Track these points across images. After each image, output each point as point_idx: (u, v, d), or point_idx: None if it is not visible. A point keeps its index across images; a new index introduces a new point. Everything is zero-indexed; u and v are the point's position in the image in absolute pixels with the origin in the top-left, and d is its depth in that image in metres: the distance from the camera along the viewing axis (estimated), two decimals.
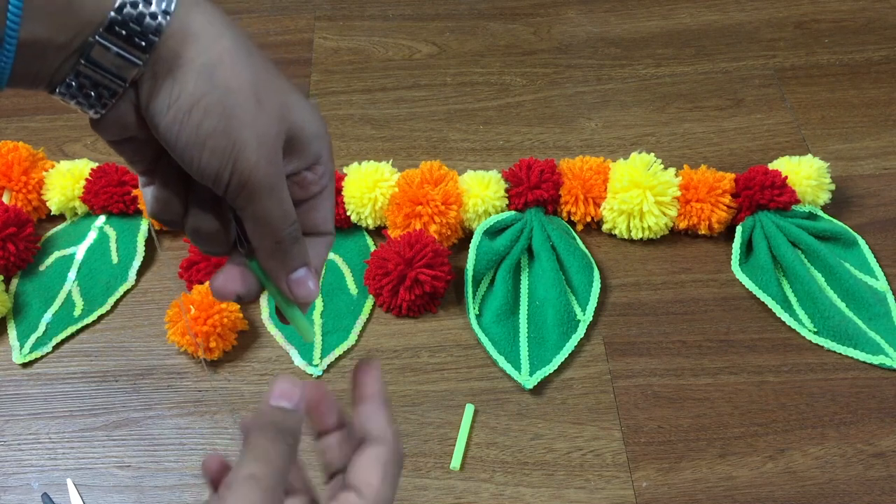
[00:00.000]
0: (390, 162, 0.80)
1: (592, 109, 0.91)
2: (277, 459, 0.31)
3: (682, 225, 0.77)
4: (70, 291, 0.77)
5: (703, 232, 0.77)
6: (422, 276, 0.71)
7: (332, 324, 0.73)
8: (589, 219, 0.79)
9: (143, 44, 0.29)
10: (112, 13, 0.28)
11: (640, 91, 0.92)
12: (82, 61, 0.29)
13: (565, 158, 0.81)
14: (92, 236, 0.80)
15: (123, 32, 0.28)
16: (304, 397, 0.33)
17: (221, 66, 0.30)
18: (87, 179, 0.80)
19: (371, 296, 0.75)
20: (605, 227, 0.79)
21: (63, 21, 0.28)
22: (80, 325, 0.74)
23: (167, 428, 0.68)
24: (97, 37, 0.29)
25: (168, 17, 0.28)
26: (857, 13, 1.00)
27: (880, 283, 0.74)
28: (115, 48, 0.29)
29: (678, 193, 0.76)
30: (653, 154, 0.78)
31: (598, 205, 0.78)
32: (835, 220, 0.78)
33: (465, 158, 0.87)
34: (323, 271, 0.35)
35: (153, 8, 0.28)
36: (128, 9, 0.28)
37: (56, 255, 0.79)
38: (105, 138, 0.33)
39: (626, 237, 0.78)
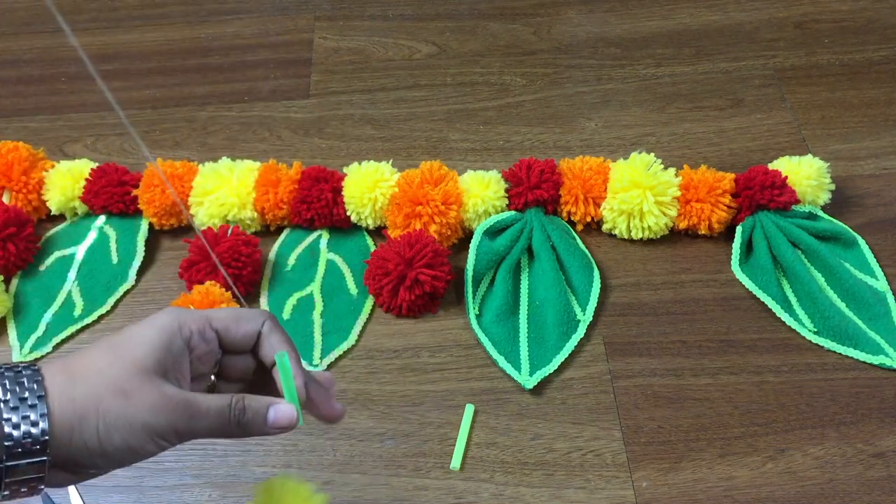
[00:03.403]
0: (390, 162, 0.80)
1: (592, 109, 0.91)
2: None
3: (682, 225, 0.77)
4: (70, 291, 0.77)
5: (703, 232, 0.77)
6: (422, 276, 0.71)
7: (332, 324, 0.73)
8: (589, 219, 0.79)
9: (39, 447, 0.36)
10: (6, 442, 0.35)
11: (640, 91, 0.92)
12: (2, 477, 0.36)
13: (565, 158, 0.81)
14: (92, 236, 0.80)
15: (20, 451, 0.35)
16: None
17: (102, 403, 0.37)
18: (87, 179, 0.80)
19: (371, 296, 0.75)
20: (605, 227, 0.79)
21: None
22: (80, 325, 0.74)
23: None
24: (4, 462, 0.35)
25: (46, 421, 0.35)
26: (857, 13, 1.00)
27: (880, 283, 0.74)
28: (24, 461, 0.36)
29: (678, 193, 0.76)
30: (653, 154, 0.78)
31: (598, 205, 0.78)
32: (835, 220, 0.78)
33: (465, 158, 0.87)
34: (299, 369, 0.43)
35: (34, 429, 0.35)
36: (16, 433, 0.35)
37: (56, 255, 0.79)
38: None
39: (626, 237, 0.78)
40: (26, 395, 0.36)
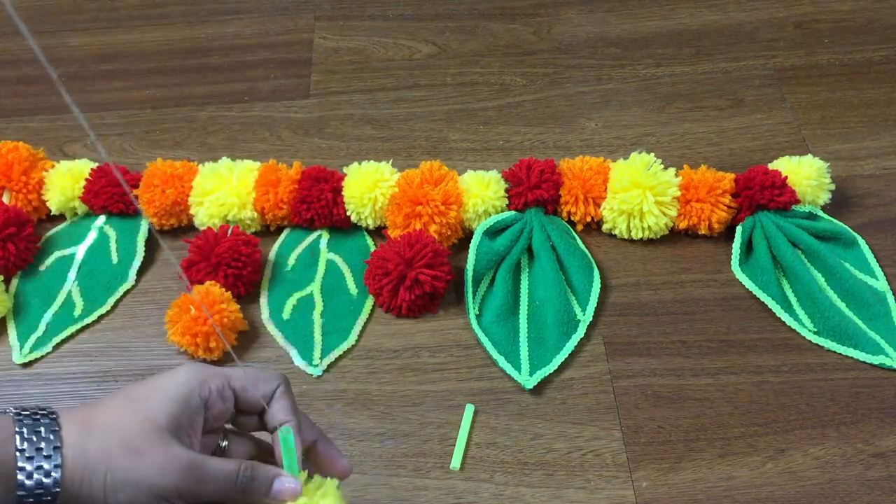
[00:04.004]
0: (390, 162, 0.80)
1: (592, 109, 0.91)
2: None
3: (682, 225, 0.77)
4: (70, 291, 0.77)
5: (703, 232, 0.77)
6: (422, 276, 0.71)
7: (332, 324, 0.73)
8: (589, 219, 0.79)
9: (49, 498, 0.37)
10: (19, 492, 0.36)
11: (640, 91, 0.92)
12: None
13: (565, 158, 0.81)
14: (92, 236, 0.80)
15: (32, 501, 0.36)
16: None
17: (113, 459, 0.37)
18: (87, 179, 0.80)
19: (371, 296, 0.75)
20: (605, 227, 0.79)
21: None
22: (80, 325, 0.74)
23: None
24: None
25: (59, 472, 0.36)
26: (857, 13, 1.00)
27: (880, 283, 0.74)
28: None
29: (678, 193, 0.76)
30: (653, 154, 0.78)
31: (598, 205, 0.78)
32: (835, 220, 0.78)
33: (465, 158, 0.87)
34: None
35: (47, 480, 0.36)
36: (29, 483, 0.36)
37: (56, 255, 0.79)
38: None
39: (626, 237, 0.78)
40: (42, 445, 0.36)
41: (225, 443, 0.44)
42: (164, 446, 0.38)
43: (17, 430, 0.37)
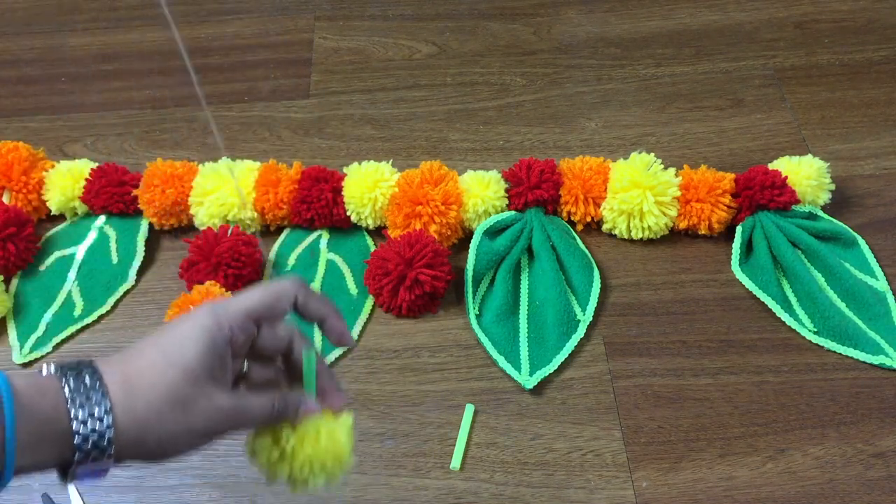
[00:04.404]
0: (390, 162, 0.80)
1: (592, 109, 0.91)
2: None
3: (682, 225, 0.77)
4: (70, 291, 0.77)
5: (703, 232, 0.77)
6: (422, 276, 0.71)
7: None
8: (589, 219, 0.79)
9: (105, 456, 0.39)
10: (76, 454, 0.38)
11: (640, 91, 0.92)
12: (70, 474, 0.39)
13: (565, 158, 0.81)
14: (92, 236, 0.80)
15: (90, 460, 0.38)
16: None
17: (162, 416, 0.40)
18: (87, 179, 0.80)
19: (371, 296, 0.75)
20: (605, 227, 0.79)
21: (43, 460, 0.38)
22: (80, 325, 0.74)
23: None
24: (73, 469, 0.38)
25: (111, 430, 0.38)
26: (857, 13, 1.00)
27: (880, 283, 0.74)
28: (89, 465, 0.39)
29: (678, 193, 0.76)
30: (653, 154, 0.78)
31: (598, 205, 0.78)
32: (835, 220, 0.78)
33: (465, 158, 0.87)
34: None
35: (101, 441, 0.38)
36: (86, 445, 0.38)
37: (56, 255, 0.79)
38: None
39: (626, 237, 0.78)
40: (94, 410, 0.38)
41: (245, 367, 0.46)
42: (206, 397, 0.41)
43: (68, 395, 0.38)
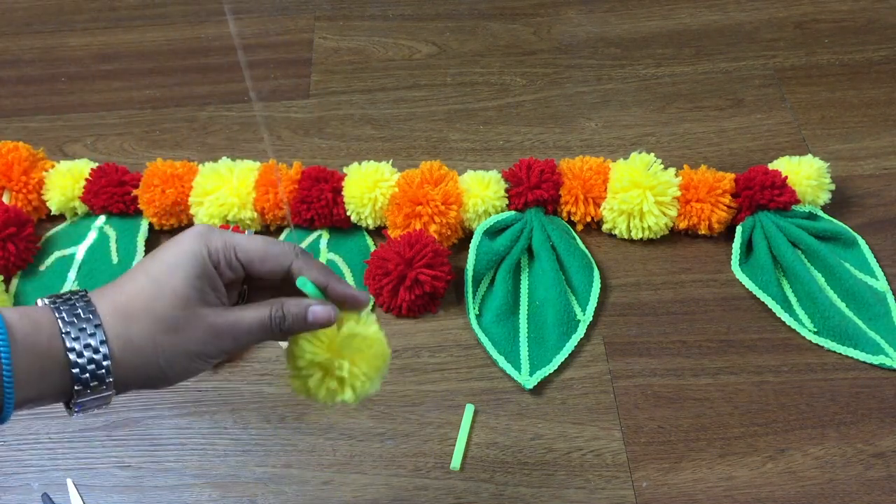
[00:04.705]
0: (390, 162, 0.80)
1: (592, 109, 0.91)
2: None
3: (682, 225, 0.77)
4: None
5: (703, 232, 0.77)
6: (422, 276, 0.71)
7: None
8: (589, 219, 0.79)
9: (104, 386, 0.39)
10: (75, 385, 0.38)
11: (640, 91, 0.92)
12: (73, 407, 0.40)
13: (565, 158, 0.81)
14: (92, 236, 0.80)
15: (89, 390, 0.39)
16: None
17: (157, 340, 0.40)
18: (87, 179, 0.80)
19: (371, 296, 0.75)
20: (605, 227, 0.79)
21: (43, 393, 0.38)
22: None
23: (167, 428, 0.68)
24: (75, 400, 0.39)
25: (108, 361, 0.39)
26: (857, 13, 1.00)
27: (880, 283, 0.74)
28: (91, 396, 0.39)
29: (678, 193, 0.76)
30: (653, 154, 0.78)
31: (598, 205, 0.78)
32: (835, 220, 0.78)
33: (465, 158, 0.87)
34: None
35: (100, 372, 0.38)
36: (84, 375, 0.38)
37: (56, 255, 0.79)
38: None
39: (626, 237, 0.78)
40: (90, 341, 0.38)
41: (245, 289, 0.46)
42: (197, 318, 0.41)
43: (62, 327, 0.38)
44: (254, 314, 0.42)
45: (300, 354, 0.43)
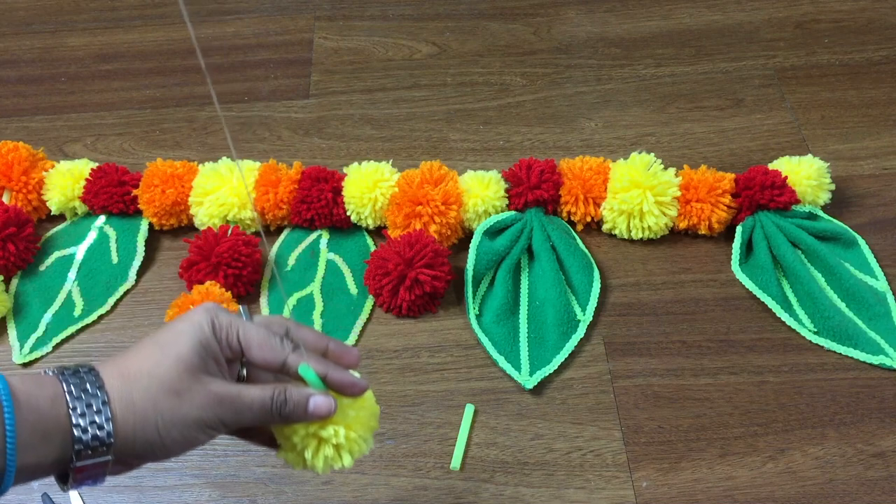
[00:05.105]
0: (390, 162, 0.80)
1: (592, 109, 0.91)
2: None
3: (682, 225, 0.77)
4: (70, 291, 0.77)
5: (703, 232, 0.77)
6: (422, 276, 0.71)
7: (332, 324, 0.73)
8: (589, 219, 0.79)
9: (105, 448, 0.39)
10: (76, 446, 0.38)
11: (640, 91, 0.92)
12: (71, 474, 0.39)
13: (565, 158, 0.81)
14: (92, 236, 0.80)
15: (90, 452, 0.39)
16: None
17: (158, 404, 0.40)
18: (87, 179, 0.80)
19: (371, 296, 0.75)
20: (605, 227, 0.79)
21: (44, 455, 0.38)
22: (80, 325, 0.74)
23: None
24: (74, 464, 0.39)
25: (110, 423, 0.39)
26: (857, 13, 1.00)
27: (880, 283, 0.74)
28: (90, 461, 0.39)
29: (678, 193, 0.76)
30: (653, 154, 0.78)
31: (598, 205, 0.78)
32: (835, 220, 0.78)
33: (465, 158, 0.87)
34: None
35: (101, 433, 0.39)
36: (85, 437, 0.39)
37: (56, 255, 0.79)
38: None
39: (626, 237, 0.78)
40: (91, 401, 0.39)
41: (244, 371, 0.46)
42: (199, 384, 0.41)
43: (66, 388, 0.39)
44: (257, 392, 0.43)
45: (295, 430, 0.44)
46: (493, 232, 0.77)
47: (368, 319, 0.74)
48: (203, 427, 0.41)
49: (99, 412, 0.39)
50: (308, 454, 0.44)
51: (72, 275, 0.78)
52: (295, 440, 0.44)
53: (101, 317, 0.75)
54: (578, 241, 0.78)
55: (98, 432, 0.39)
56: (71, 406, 0.38)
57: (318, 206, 0.77)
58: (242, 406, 0.42)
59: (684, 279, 0.76)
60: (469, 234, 0.78)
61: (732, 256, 0.75)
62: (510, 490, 0.63)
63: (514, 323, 0.72)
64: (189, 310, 0.44)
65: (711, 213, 0.76)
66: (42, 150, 0.85)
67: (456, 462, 0.64)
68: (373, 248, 0.78)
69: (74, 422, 0.38)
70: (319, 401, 0.43)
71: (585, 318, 0.72)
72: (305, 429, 0.44)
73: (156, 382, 0.40)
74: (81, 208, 0.81)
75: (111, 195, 0.79)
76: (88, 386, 0.39)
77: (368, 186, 0.77)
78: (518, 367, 0.69)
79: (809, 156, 0.79)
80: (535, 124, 0.90)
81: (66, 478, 0.40)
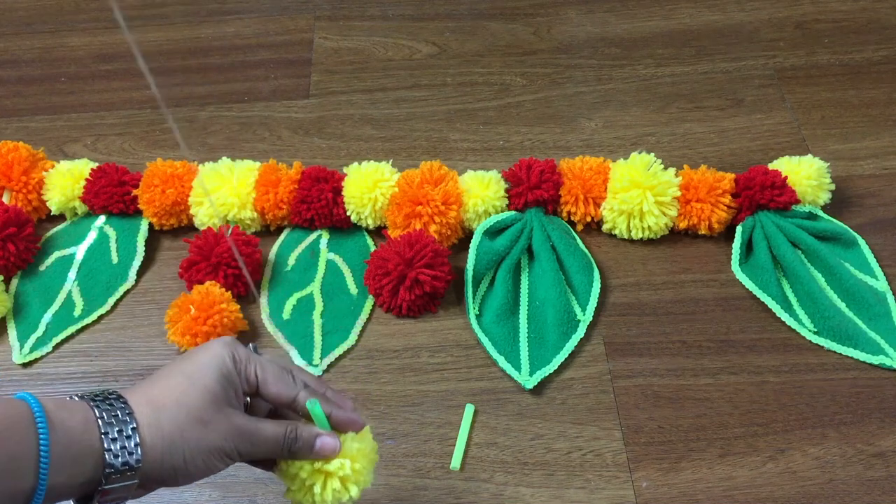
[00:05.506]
0: (390, 162, 0.80)
1: (592, 109, 0.91)
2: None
3: (682, 225, 0.77)
4: (70, 291, 0.77)
5: (703, 232, 0.77)
6: (422, 276, 0.71)
7: (332, 324, 0.73)
8: (589, 219, 0.79)
9: (132, 473, 0.41)
10: (106, 469, 0.40)
11: (640, 91, 0.92)
12: (97, 496, 0.41)
13: (565, 158, 0.81)
14: (92, 236, 0.80)
15: (118, 476, 0.41)
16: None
17: (185, 432, 0.43)
18: (87, 179, 0.80)
19: (371, 296, 0.75)
20: (605, 227, 0.79)
21: (74, 477, 0.40)
22: (80, 325, 0.74)
23: None
24: (103, 486, 0.40)
25: (139, 448, 0.41)
26: (857, 13, 1.00)
27: (880, 283, 0.74)
28: (116, 484, 0.41)
29: (678, 193, 0.76)
30: (653, 154, 0.78)
31: (598, 205, 0.78)
32: (835, 220, 0.78)
33: (465, 158, 0.87)
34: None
35: (131, 458, 0.41)
36: (116, 462, 0.40)
37: (56, 255, 0.79)
38: None
39: (626, 237, 0.78)
40: (122, 427, 0.41)
41: (248, 399, 0.49)
42: (223, 415, 0.44)
43: (97, 414, 0.41)
44: (273, 427, 0.46)
45: (301, 466, 0.47)
46: (493, 232, 0.77)
47: (368, 319, 0.74)
48: (222, 456, 0.44)
49: (129, 438, 0.41)
50: (317, 489, 0.46)
51: (72, 275, 0.78)
52: (303, 475, 0.46)
53: (101, 317, 0.75)
54: (578, 241, 0.78)
55: (129, 458, 0.40)
56: (103, 431, 0.40)
57: (318, 206, 0.77)
58: (259, 440, 0.45)
59: (684, 279, 0.76)
60: (469, 234, 0.78)
61: (732, 256, 0.75)
62: (510, 490, 0.63)
63: (514, 323, 0.72)
64: (207, 342, 0.46)
65: (711, 213, 0.76)
66: (42, 150, 0.85)
67: (456, 462, 0.64)
68: (373, 248, 0.78)
69: (106, 446, 0.40)
70: (327, 441, 0.47)
71: (585, 318, 0.72)
72: (311, 465, 0.46)
73: (184, 411, 0.42)
74: (81, 208, 0.81)
75: (111, 195, 0.79)
76: (119, 412, 0.41)
77: (368, 186, 0.77)
78: (518, 367, 0.69)
79: (809, 156, 0.79)
80: (535, 124, 0.90)
81: (89, 499, 0.41)
